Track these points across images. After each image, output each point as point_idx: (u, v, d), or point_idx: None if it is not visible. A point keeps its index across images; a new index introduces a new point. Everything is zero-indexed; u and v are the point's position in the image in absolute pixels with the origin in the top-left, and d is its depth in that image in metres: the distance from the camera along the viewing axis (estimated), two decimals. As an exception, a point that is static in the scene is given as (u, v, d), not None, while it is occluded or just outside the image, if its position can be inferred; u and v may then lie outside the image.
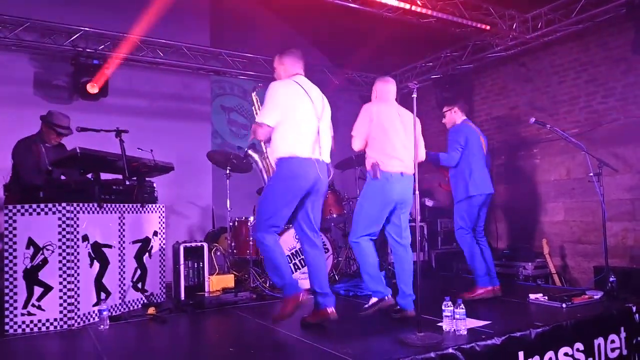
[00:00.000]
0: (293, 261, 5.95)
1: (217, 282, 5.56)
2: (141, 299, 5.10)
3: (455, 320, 3.69)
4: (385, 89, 4.51)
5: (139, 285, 5.08)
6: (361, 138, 4.31)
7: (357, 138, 4.32)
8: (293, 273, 5.91)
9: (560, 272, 6.87)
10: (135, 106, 7.65)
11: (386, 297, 4.21)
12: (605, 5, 6.07)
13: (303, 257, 5.96)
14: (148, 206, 5.28)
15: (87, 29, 6.90)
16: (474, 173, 5.17)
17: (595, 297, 4.74)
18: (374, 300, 4.26)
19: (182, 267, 5.34)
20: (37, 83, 7.09)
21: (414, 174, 3.96)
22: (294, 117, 3.91)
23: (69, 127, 5.36)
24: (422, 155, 4.41)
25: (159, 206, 5.48)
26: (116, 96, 7.26)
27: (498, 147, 8.02)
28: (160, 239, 5.43)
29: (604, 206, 5.10)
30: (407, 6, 6.03)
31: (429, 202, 8.55)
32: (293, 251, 5.98)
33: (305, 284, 5.92)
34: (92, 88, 6.69)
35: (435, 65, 8.51)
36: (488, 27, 6.72)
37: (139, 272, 5.08)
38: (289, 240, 5.98)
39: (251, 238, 5.91)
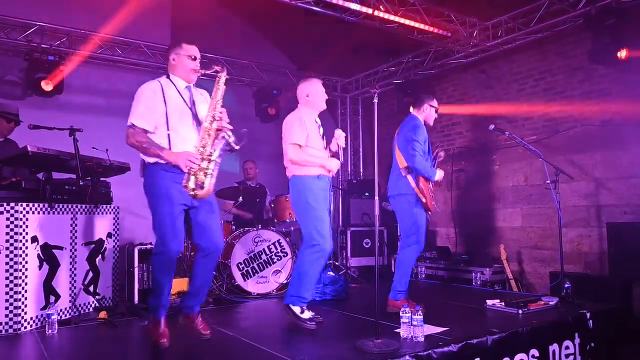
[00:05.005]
0: (251, 265, 5.86)
1: (173, 286, 5.40)
2: (93, 302, 4.94)
3: (413, 326, 3.67)
4: None
5: (91, 288, 4.92)
6: None
7: None
8: (249, 278, 5.84)
9: (517, 277, 6.95)
10: (92, 104, 7.42)
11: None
12: (564, 15, 6.16)
13: (260, 261, 5.93)
14: (102, 207, 5.13)
15: (43, 24, 6.65)
16: None
17: (550, 303, 4.79)
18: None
19: (136, 270, 5.19)
20: (-12, 78, 6.80)
21: None
22: None
23: (17, 114, 5.20)
24: (286, 153, 4.32)
25: (114, 207, 5.33)
26: (72, 93, 7.05)
27: (459, 153, 8.09)
28: (114, 240, 5.29)
29: (560, 213, 5.17)
30: (370, 11, 6.02)
31: (389, 207, 8.55)
32: (251, 255, 5.89)
33: (261, 288, 5.89)
34: (47, 85, 6.43)
35: (397, 71, 8.53)
36: (449, 34, 6.78)
37: (91, 274, 4.93)
38: (247, 244, 5.91)
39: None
